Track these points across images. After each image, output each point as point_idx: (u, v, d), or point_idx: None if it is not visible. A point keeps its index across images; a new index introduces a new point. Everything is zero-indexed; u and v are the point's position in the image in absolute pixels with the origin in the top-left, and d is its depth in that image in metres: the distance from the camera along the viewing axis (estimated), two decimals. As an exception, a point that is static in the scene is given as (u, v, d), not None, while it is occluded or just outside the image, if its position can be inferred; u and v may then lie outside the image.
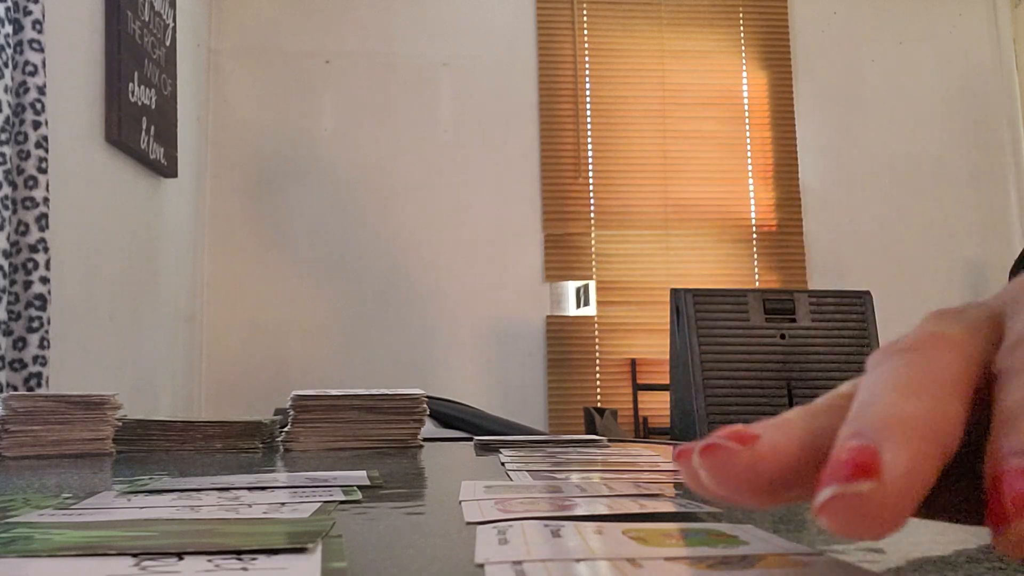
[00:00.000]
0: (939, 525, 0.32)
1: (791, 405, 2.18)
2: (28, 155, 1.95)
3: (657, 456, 0.64)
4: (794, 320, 2.20)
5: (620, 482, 0.46)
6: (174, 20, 2.99)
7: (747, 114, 3.82)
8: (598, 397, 3.58)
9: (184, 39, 3.15)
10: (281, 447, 0.83)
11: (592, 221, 3.68)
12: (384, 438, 0.84)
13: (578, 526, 0.30)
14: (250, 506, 0.38)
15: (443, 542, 0.31)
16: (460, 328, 3.54)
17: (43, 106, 1.98)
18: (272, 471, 0.62)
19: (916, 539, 0.30)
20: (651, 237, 3.69)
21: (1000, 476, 0.18)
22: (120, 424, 0.81)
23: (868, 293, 2.24)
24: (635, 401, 3.48)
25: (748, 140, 3.80)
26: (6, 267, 1.85)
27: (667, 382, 2.56)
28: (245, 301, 3.48)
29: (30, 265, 1.92)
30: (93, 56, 2.47)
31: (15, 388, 1.88)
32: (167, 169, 2.89)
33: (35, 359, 1.90)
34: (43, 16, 2.01)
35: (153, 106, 2.76)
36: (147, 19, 2.73)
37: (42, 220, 1.96)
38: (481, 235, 3.61)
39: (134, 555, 0.26)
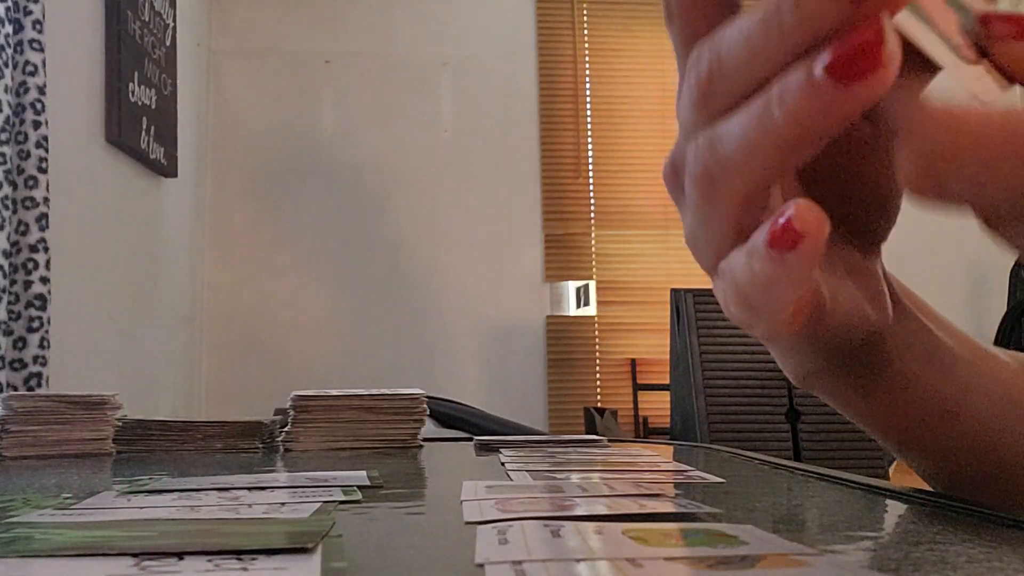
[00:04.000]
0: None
1: (791, 406, 2.19)
2: (28, 155, 1.95)
3: (657, 456, 0.64)
4: (794, 320, 2.20)
5: (620, 482, 0.46)
6: (174, 20, 2.99)
7: (747, 114, 3.82)
8: (598, 397, 3.58)
9: (184, 39, 3.15)
10: (281, 447, 0.83)
11: (592, 221, 3.68)
12: (384, 438, 0.84)
13: (578, 526, 0.30)
14: (250, 506, 0.38)
15: (443, 542, 0.31)
16: (460, 328, 3.54)
17: (43, 106, 1.98)
18: (272, 471, 0.62)
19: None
20: (651, 237, 3.69)
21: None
22: (120, 424, 0.81)
23: (868, 293, 2.24)
24: (635, 401, 3.48)
25: (748, 140, 3.80)
26: (6, 267, 1.85)
27: (667, 382, 2.56)
28: (245, 301, 3.48)
29: (30, 265, 1.92)
30: (93, 56, 2.47)
31: (15, 388, 1.88)
32: (167, 169, 2.89)
33: (35, 359, 1.90)
34: (43, 16, 2.01)
35: (153, 106, 2.76)
36: (147, 19, 2.73)
37: (42, 220, 1.96)
38: (481, 235, 3.61)
39: (134, 555, 0.26)
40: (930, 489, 0.40)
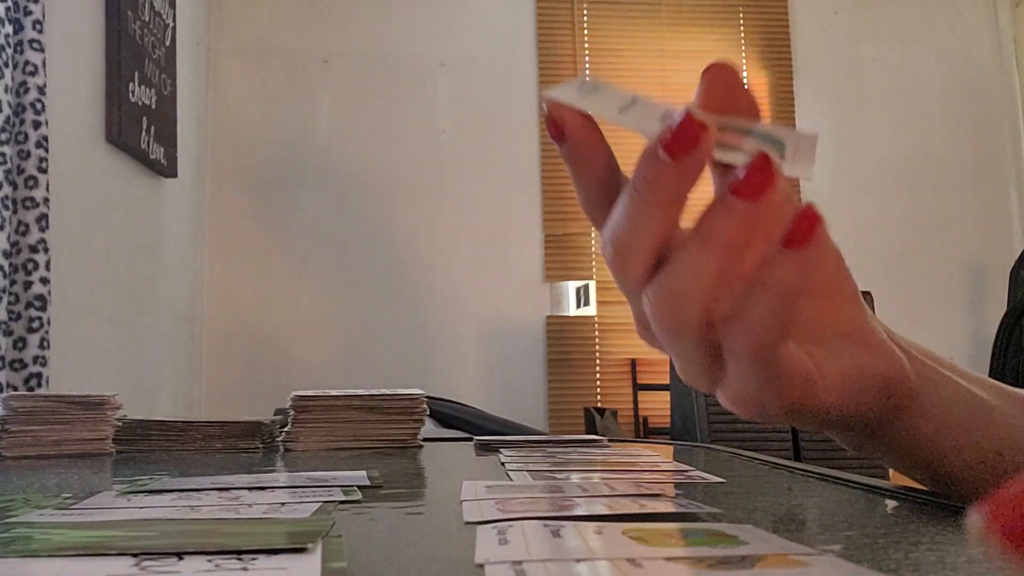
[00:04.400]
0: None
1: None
2: (28, 155, 1.95)
3: (657, 456, 0.64)
4: (794, 320, 2.20)
5: (620, 482, 0.46)
6: (174, 20, 2.99)
7: (747, 114, 3.82)
8: (598, 397, 3.58)
9: (184, 39, 3.15)
10: (281, 447, 0.83)
11: (592, 221, 3.68)
12: (384, 438, 0.84)
13: (578, 526, 0.30)
14: (250, 506, 0.38)
15: (443, 542, 0.31)
16: (460, 328, 3.54)
17: (43, 106, 1.98)
18: (272, 471, 0.62)
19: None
20: (651, 237, 3.68)
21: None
22: (120, 424, 0.81)
23: (868, 293, 2.24)
24: (635, 401, 3.48)
25: (748, 140, 3.80)
26: (6, 267, 1.85)
27: (667, 382, 2.56)
28: (245, 301, 3.48)
29: (30, 265, 1.92)
30: (93, 56, 2.47)
31: (15, 388, 1.88)
32: (167, 169, 2.89)
33: (35, 359, 1.90)
34: (43, 16, 2.01)
35: (153, 106, 2.76)
36: (147, 19, 2.73)
37: (42, 220, 1.96)
38: (481, 235, 3.61)
39: (134, 555, 0.26)
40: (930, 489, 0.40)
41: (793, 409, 0.32)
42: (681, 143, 0.28)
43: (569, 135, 0.31)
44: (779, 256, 0.28)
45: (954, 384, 0.36)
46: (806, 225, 0.28)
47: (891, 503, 0.40)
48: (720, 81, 0.31)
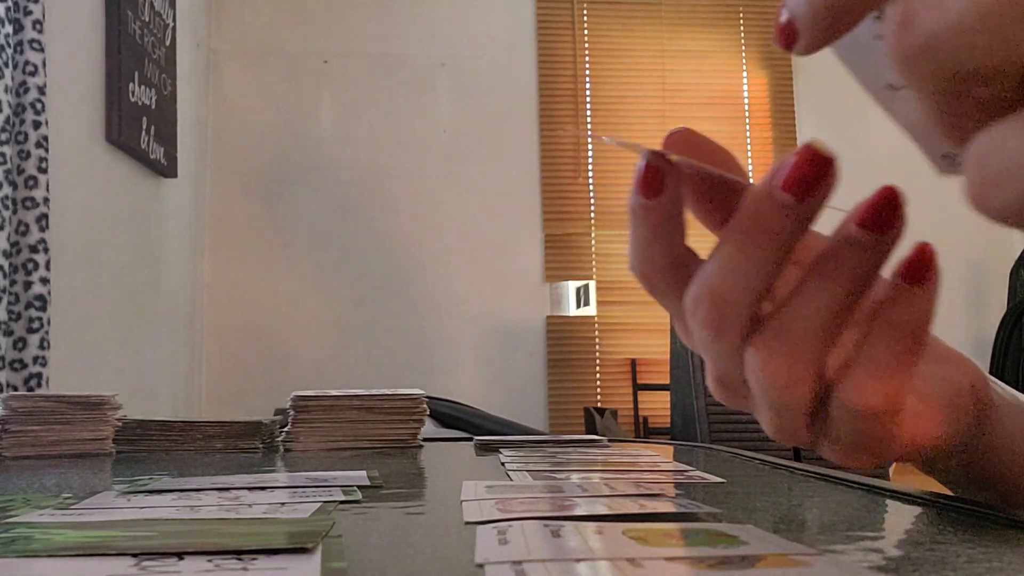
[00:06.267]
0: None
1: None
2: (28, 155, 1.95)
3: (657, 456, 0.64)
4: (794, 320, 2.20)
5: (620, 482, 0.46)
6: (174, 20, 2.99)
7: (747, 114, 3.82)
8: (598, 397, 3.58)
9: (184, 39, 3.15)
10: (281, 447, 0.83)
11: (592, 221, 3.68)
12: (384, 438, 0.84)
13: (578, 526, 0.30)
14: (250, 506, 0.38)
15: (443, 542, 0.31)
16: (460, 328, 3.54)
17: (43, 106, 1.98)
18: (272, 471, 0.62)
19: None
20: (651, 237, 3.68)
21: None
22: (120, 424, 0.81)
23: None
24: (635, 401, 3.48)
25: (748, 140, 3.80)
26: (6, 267, 1.85)
27: (667, 382, 2.56)
28: (245, 301, 3.48)
29: (30, 265, 1.92)
30: (93, 56, 2.47)
31: (15, 388, 1.88)
32: (167, 169, 2.89)
33: (35, 359, 1.90)
34: (43, 16, 2.01)
35: (153, 106, 2.76)
36: (147, 19, 2.73)
37: (42, 220, 1.96)
38: (481, 235, 3.61)
39: (134, 555, 0.26)
40: (930, 489, 0.40)
41: (909, 448, 0.30)
42: (805, 180, 0.25)
43: (668, 190, 0.28)
44: (904, 293, 0.27)
45: (1007, 390, 0.35)
46: (927, 259, 0.27)
47: (891, 503, 0.40)
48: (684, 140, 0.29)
